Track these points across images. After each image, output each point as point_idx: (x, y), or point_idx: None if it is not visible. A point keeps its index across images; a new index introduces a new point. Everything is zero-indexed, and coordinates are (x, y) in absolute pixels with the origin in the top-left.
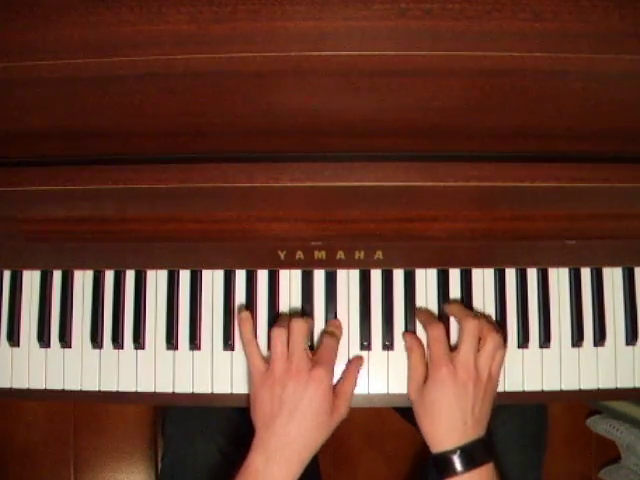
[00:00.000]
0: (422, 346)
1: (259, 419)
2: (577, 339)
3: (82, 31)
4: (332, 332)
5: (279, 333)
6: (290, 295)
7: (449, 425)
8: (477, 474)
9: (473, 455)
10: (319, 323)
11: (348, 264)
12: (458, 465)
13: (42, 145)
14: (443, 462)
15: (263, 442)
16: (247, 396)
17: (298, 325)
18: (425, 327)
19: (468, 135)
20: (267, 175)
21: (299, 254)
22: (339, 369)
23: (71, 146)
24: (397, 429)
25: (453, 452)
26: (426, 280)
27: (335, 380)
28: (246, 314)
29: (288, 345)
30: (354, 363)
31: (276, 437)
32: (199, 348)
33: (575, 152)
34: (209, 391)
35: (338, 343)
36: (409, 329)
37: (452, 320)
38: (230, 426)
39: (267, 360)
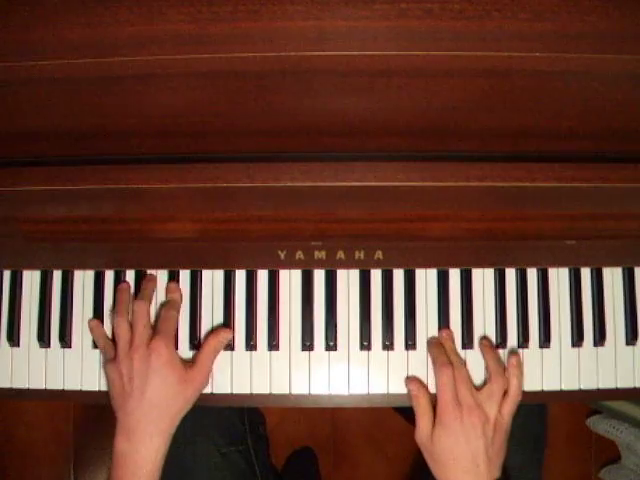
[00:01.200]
0: (427, 393)
1: (115, 402)
2: (577, 339)
3: (82, 31)
4: (170, 301)
5: (120, 319)
6: (290, 295)
7: (461, 469)
8: None
9: None
10: (319, 323)
11: (348, 264)
12: None
13: (42, 145)
14: None
15: (121, 424)
16: (247, 396)
17: (137, 304)
18: (434, 366)
19: (468, 135)
20: (267, 175)
21: (299, 254)
22: (339, 368)
23: (71, 146)
24: (397, 429)
25: None
26: (426, 280)
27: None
28: (95, 322)
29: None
30: (214, 333)
31: (131, 415)
32: (199, 348)
33: (575, 152)
34: (209, 391)
35: (178, 311)
36: (409, 330)
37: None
38: (229, 426)
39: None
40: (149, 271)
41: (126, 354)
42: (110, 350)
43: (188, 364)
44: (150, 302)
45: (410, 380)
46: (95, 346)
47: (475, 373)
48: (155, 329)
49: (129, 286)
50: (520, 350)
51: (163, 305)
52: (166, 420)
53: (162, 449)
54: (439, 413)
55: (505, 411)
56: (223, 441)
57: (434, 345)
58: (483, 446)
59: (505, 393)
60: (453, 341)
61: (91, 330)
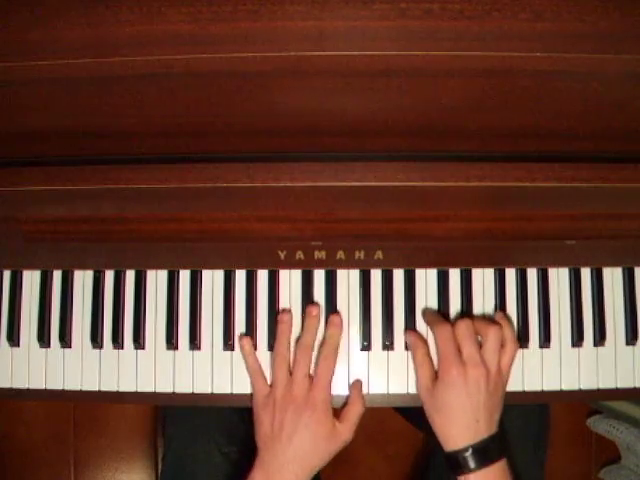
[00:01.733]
0: (426, 343)
1: (260, 440)
2: (577, 339)
3: (82, 31)
4: (329, 340)
5: (280, 362)
6: (290, 295)
7: (462, 424)
8: (490, 471)
9: (486, 452)
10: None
11: (348, 264)
12: (471, 463)
13: (42, 145)
14: (456, 460)
15: (263, 462)
16: (247, 396)
17: (301, 352)
18: (432, 327)
19: (468, 135)
20: (267, 175)
21: (299, 254)
22: (339, 368)
23: (71, 146)
24: (397, 429)
25: (466, 450)
26: (426, 280)
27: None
28: (248, 343)
29: (292, 367)
30: (356, 388)
31: (275, 459)
32: (199, 348)
33: (575, 152)
34: (209, 391)
35: (336, 352)
36: (409, 328)
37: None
38: (230, 426)
39: (269, 381)
40: (149, 271)
41: (282, 399)
42: (263, 385)
43: (337, 420)
44: (314, 346)
45: (409, 331)
46: (95, 346)
47: None
48: (313, 379)
49: (291, 318)
50: (520, 350)
51: (320, 352)
52: (307, 471)
53: None
54: (442, 368)
55: (504, 364)
56: (224, 441)
57: (427, 312)
58: (483, 401)
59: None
60: None
61: (242, 348)
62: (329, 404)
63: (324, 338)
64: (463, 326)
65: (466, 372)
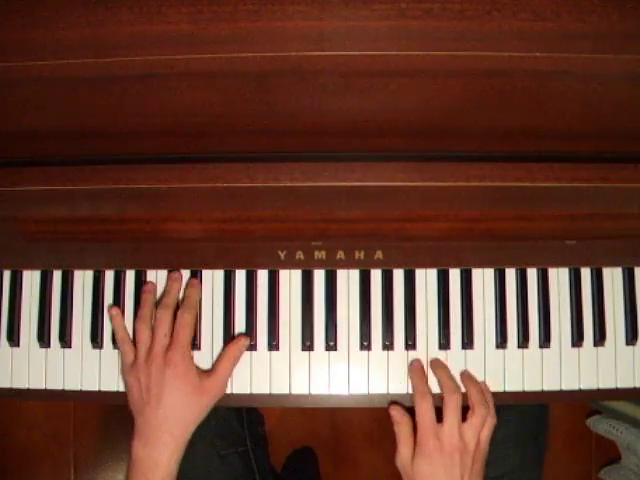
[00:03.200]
0: (410, 420)
1: (133, 407)
2: (577, 339)
3: (82, 31)
4: (186, 300)
5: (141, 324)
6: (290, 295)
7: None
8: None
9: None
10: (319, 323)
11: (348, 264)
12: None
13: (42, 145)
14: None
15: (138, 429)
16: (247, 396)
17: (160, 312)
18: (414, 395)
19: (468, 135)
20: (267, 175)
21: (299, 254)
22: (339, 368)
23: (71, 146)
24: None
25: None
26: (426, 280)
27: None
28: (119, 317)
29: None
30: (232, 343)
31: (148, 422)
32: (199, 348)
33: (575, 152)
34: None
35: (194, 313)
36: (409, 330)
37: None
38: (228, 428)
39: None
40: (150, 271)
41: (145, 362)
42: (129, 351)
43: (205, 373)
44: (174, 308)
45: (393, 407)
46: (95, 346)
47: (475, 373)
48: (172, 338)
49: (154, 287)
50: (520, 350)
51: (180, 305)
52: (180, 429)
53: (175, 456)
54: (419, 441)
55: (482, 439)
56: (222, 443)
57: (415, 372)
58: (460, 474)
59: None
60: (446, 367)
61: (112, 318)
62: (189, 359)
63: (183, 297)
64: (454, 400)
65: (442, 445)
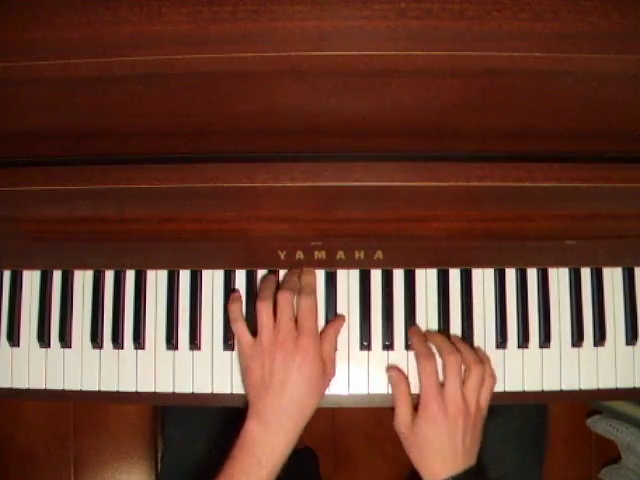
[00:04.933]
0: (407, 381)
1: (252, 390)
2: (577, 339)
3: (82, 31)
4: (307, 286)
5: (264, 305)
6: None
7: (442, 458)
8: None
9: None
10: (319, 323)
11: (348, 264)
12: None
13: (42, 145)
14: None
15: (258, 412)
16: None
17: (284, 296)
18: (417, 358)
19: (468, 135)
20: (267, 175)
21: (299, 254)
22: (339, 368)
23: (71, 146)
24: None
25: None
26: (426, 280)
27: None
28: (238, 294)
29: (275, 315)
30: (332, 325)
31: (270, 406)
32: (199, 348)
33: (575, 152)
34: (209, 391)
35: (315, 297)
36: (409, 329)
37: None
38: (229, 426)
39: (254, 333)
40: (150, 271)
41: (271, 345)
42: (246, 332)
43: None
44: (295, 293)
45: (391, 367)
46: (95, 346)
47: None
48: (298, 323)
49: (276, 277)
50: (520, 350)
51: (299, 293)
52: (304, 414)
53: (292, 444)
54: (423, 404)
55: (482, 400)
56: (223, 441)
57: (415, 335)
58: (462, 437)
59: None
60: (440, 334)
61: (232, 300)
62: (319, 346)
63: (301, 285)
64: (453, 361)
65: (446, 408)
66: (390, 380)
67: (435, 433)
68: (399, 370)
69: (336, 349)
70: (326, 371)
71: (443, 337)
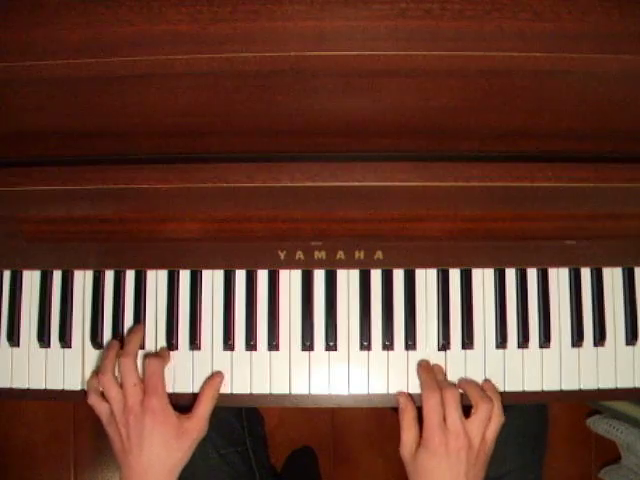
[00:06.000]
0: (414, 408)
1: (117, 456)
2: (577, 339)
3: (82, 31)
4: (156, 353)
5: (105, 378)
6: (290, 295)
7: None
8: None
9: None
10: (319, 323)
11: (348, 264)
12: None
13: (42, 145)
14: None
15: (125, 476)
16: (246, 396)
17: (123, 363)
18: (422, 389)
19: (468, 135)
20: (267, 175)
21: (299, 254)
22: (339, 368)
23: (71, 146)
24: (397, 429)
25: None
26: (426, 280)
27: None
28: (114, 343)
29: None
30: (208, 384)
31: (132, 470)
32: (199, 348)
33: (575, 152)
34: None
35: (163, 362)
36: (409, 330)
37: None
38: (227, 427)
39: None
40: (149, 271)
41: (122, 414)
42: (103, 406)
43: (184, 415)
44: (136, 357)
45: (400, 393)
46: (95, 346)
47: (475, 373)
48: (144, 384)
49: (117, 344)
50: (520, 350)
51: (146, 355)
52: (165, 474)
53: None
54: (425, 436)
55: (488, 436)
56: (222, 442)
57: (423, 368)
58: (464, 471)
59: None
60: (442, 371)
61: (87, 384)
62: (165, 404)
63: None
64: (449, 395)
65: (448, 442)
66: (399, 405)
67: (435, 466)
68: (407, 396)
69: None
70: (188, 428)
71: (435, 374)
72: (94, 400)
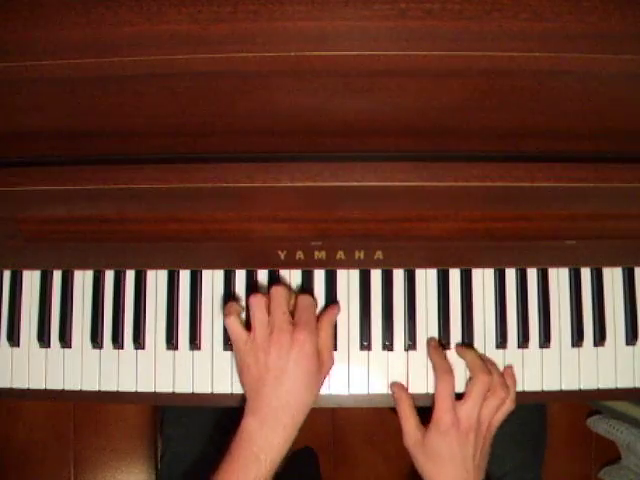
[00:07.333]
0: (409, 396)
1: (248, 386)
2: (577, 339)
3: (82, 31)
4: (303, 295)
5: (257, 300)
6: None
7: (452, 475)
8: None
9: None
10: None
11: (348, 264)
12: None
13: (42, 145)
14: None
15: (255, 408)
16: None
17: (277, 290)
18: (436, 372)
19: (468, 135)
20: (267, 175)
21: (299, 254)
22: (339, 368)
23: (71, 146)
24: (397, 429)
25: None
26: (426, 280)
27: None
28: (239, 303)
29: (269, 311)
30: (327, 314)
31: (267, 402)
32: (199, 348)
33: (575, 152)
34: (209, 391)
35: (314, 301)
36: (409, 330)
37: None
38: (228, 425)
39: (248, 328)
40: (149, 271)
41: (265, 340)
42: (240, 328)
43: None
44: (290, 291)
45: (393, 384)
46: (95, 346)
47: None
48: (295, 317)
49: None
50: (520, 350)
51: (297, 294)
52: (302, 411)
53: (290, 440)
54: (436, 418)
55: (494, 421)
56: (222, 440)
57: (434, 349)
58: (473, 453)
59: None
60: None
61: (230, 304)
62: (315, 341)
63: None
64: (485, 381)
65: (460, 422)
66: (393, 396)
67: (446, 447)
68: (400, 386)
69: (333, 339)
70: (323, 361)
71: (476, 354)
72: (232, 321)
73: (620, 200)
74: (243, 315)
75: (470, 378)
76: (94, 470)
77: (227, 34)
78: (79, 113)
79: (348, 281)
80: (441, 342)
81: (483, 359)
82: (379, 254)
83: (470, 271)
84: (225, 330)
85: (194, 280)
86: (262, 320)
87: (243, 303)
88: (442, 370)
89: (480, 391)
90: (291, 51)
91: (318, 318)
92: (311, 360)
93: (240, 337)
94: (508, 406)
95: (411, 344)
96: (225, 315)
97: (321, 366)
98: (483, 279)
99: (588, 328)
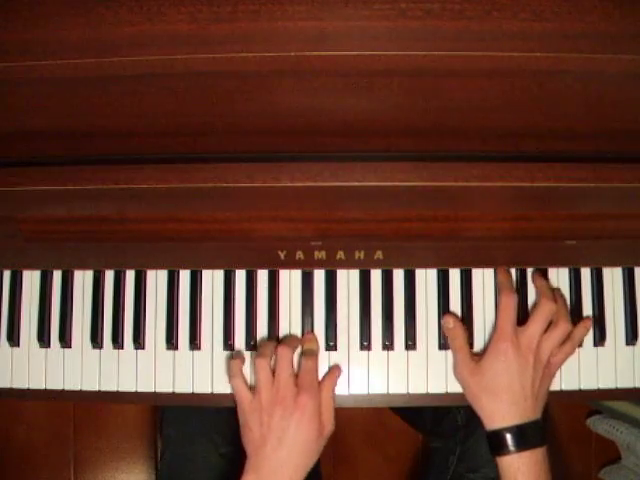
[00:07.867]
0: (465, 330)
1: (249, 444)
2: None
3: (82, 31)
4: (309, 351)
5: (262, 362)
6: (290, 295)
7: (511, 399)
8: (531, 455)
9: (530, 435)
10: (319, 323)
11: (348, 264)
12: (515, 443)
13: (42, 145)
14: (499, 439)
15: (255, 466)
16: None
17: (284, 351)
18: (500, 290)
19: (468, 135)
20: (267, 175)
21: (299, 254)
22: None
23: (71, 146)
24: (397, 429)
25: (509, 430)
26: (426, 280)
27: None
28: (241, 354)
29: (274, 371)
30: (330, 376)
31: (267, 462)
32: (199, 348)
33: (575, 152)
34: (209, 391)
35: (317, 360)
36: (409, 330)
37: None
38: (228, 426)
39: (252, 388)
40: (149, 271)
41: (269, 402)
42: (244, 388)
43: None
44: (294, 351)
45: (448, 315)
46: (95, 346)
47: None
48: (298, 380)
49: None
50: None
51: (301, 354)
52: (301, 472)
53: None
54: (496, 338)
55: (556, 360)
56: (221, 441)
57: (501, 270)
58: (532, 380)
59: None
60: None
61: (234, 357)
62: (318, 406)
63: (303, 350)
64: (550, 306)
65: (519, 345)
66: (446, 326)
67: (504, 368)
68: (456, 319)
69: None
70: (324, 423)
71: (548, 284)
72: (238, 383)
73: (620, 200)
74: (246, 358)
75: (535, 304)
76: (94, 470)
77: (227, 34)
78: (79, 113)
79: (348, 281)
80: (441, 342)
81: (555, 293)
82: (379, 254)
83: (470, 271)
84: (225, 330)
85: (194, 280)
86: (267, 383)
87: (244, 354)
88: (508, 290)
89: (544, 316)
90: (291, 51)
91: (321, 379)
92: (312, 423)
93: (245, 399)
94: (569, 348)
95: (411, 344)
96: (231, 377)
97: (322, 428)
98: (483, 279)
99: None
